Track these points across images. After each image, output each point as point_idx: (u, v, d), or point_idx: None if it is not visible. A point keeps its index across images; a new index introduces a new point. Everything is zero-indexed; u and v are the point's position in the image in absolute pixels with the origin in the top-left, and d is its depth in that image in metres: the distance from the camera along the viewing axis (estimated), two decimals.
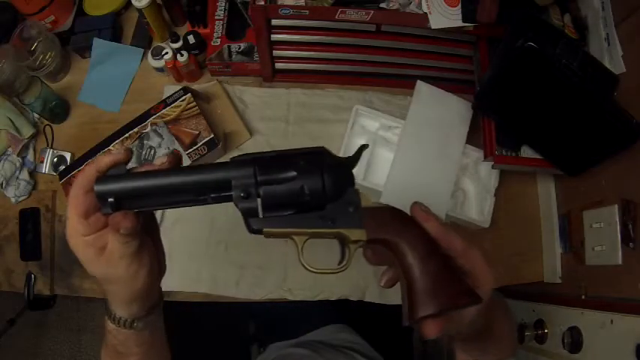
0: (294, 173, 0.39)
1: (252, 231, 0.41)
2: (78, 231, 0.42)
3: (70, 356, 1.86)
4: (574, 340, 0.79)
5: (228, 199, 0.40)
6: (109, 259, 0.43)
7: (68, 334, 1.88)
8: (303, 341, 1.00)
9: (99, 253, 0.43)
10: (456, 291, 0.39)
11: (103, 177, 0.40)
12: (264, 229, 0.40)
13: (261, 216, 0.40)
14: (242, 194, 0.39)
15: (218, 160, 0.97)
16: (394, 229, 0.40)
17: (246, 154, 0.41)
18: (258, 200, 0.39)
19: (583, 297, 0.83)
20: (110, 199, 0.39)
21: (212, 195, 0.40)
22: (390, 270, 0.45)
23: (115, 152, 0.42)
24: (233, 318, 1.19)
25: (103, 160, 0.42)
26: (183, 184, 0.39)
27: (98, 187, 0.39)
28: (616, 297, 0.76)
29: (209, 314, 1.10)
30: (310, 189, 0.39)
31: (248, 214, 0.40)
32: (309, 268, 0.42)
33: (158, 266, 0.49)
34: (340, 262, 0.43)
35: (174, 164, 0.43)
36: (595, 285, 0.83)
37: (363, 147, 0.44)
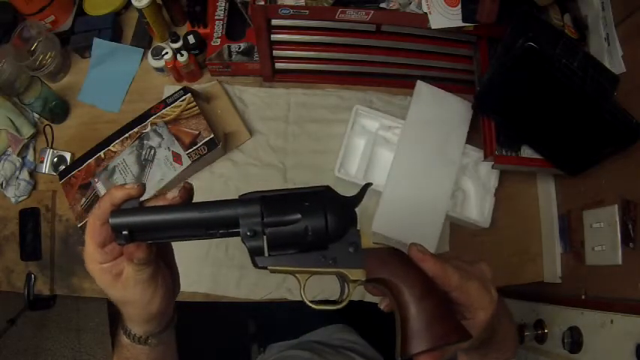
0: (298, 215, 0.41)
1: (257, 267, 0.43)
2: (95, 259, 0.45)
3: (70, 356, 1.86)
4: (574, 340, 0.79)
5: (236, 234, 0.42)
6: (125, 284, 0.45)
7: (68, 334, 1.88)
8: (303, 341, 1.00)
9: (115, 279, 0.45)
10: (448, 329, 0.41)
11: (117, 210, 0.42)
12: (269, 267, 0.42)
13: (266, 255, 0.42)
14: (249, 233, 0.41)
15: (218, 161, 0.97)
16: (392, 270, 0.43)
17: (255, 191, 0.43)
18: (264, 238, 0.41)
19: (583, 297, 0.83)
20: (124, 232, 0.41)
21: (221, 231, 0.43)
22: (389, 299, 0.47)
23: (128, 187, 0.44)
24: (233, 318, 1.19)
25: (117, 194, 0.44)
26: (193, 220, 0.41)
27: (113, 220, 0.41)
28: (616, 297, 0.76)
29: (209, 314, 1.10)
30: (314, 230, 0.41)
31: (254, 252, 0.42)
32: (311, 305, 0.44)
33: (173, 286, 0.50)
34: (339, 298, 0.46)
35: (186, 199, 0.45)
36: (595, 285, 0.83)
37: (368, 185, 0.46)
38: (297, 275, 0.43)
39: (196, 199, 1.02)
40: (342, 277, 0.45)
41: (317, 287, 0.92)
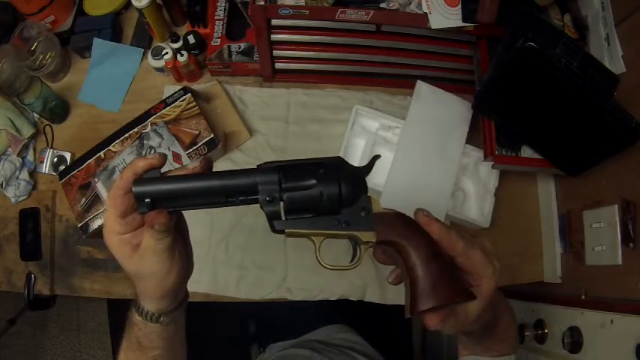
0: (314, 181, 0.43)
1: (275, 231, 0.44)
2: (115, 230, 0.45)
3: (70, 356, 1.87)
4: (574, 340, 0.79)
5: (255, 201, 0.44)
6: (143, 255, 0.46)
7: (68, 334, 1.88)
8: (303, 341, 1.01)
9: (134, 250, 0.46)
10: (453, 289, 0.44)
11: (140, 179, 0.44)
12: (286, 230, 0.44)
13: (283, 218, 0.44)
14: (267, 198, 0.43)
15: (218, 161, 0.97)
16: (401, 233, 0.45)
17: (272, 161, 0.45)
18: (281, 204, 0.43)
19: (583, 297, 0.83)
20: (147, 200, 0.43)
21: (240, 198, 0.44)
22: (398, 269, 0.49)
23: (150, 157, 0.45)
24: (233, 318, 1.19)
25: (139, 163, 0.45)
26: (214, 187, 0.43)
27: (136, 189, 0.43)
28: (616, 297, 0.76)
29: (209, 314, 1.10)
30: (328, 195, 0.43)
31: (272, 217, 0.44)
32: (325, 265, 0.46)
33: (187, 264, 0.51)
34: (352, 260, 0.47)
35: (206, 168, 0.46)
36: (595, 285, 0.83)
37: (376, 157, 0.49)
38: (312, 238, 0.45)
39: None
40: (355, 240, 0.46)
41: (317, 287, 0.92)
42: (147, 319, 0.50)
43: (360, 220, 0.45)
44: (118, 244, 0.46)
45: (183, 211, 0.48)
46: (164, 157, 0.45)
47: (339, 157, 0.46)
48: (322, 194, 0.43)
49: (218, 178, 0.43)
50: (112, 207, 0.45)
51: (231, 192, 0.43)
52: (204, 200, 0.44)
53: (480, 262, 0.46)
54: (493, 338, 0.56)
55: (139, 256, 0.46)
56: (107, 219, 0.46)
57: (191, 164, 0.46)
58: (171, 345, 0.53)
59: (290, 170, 0.44)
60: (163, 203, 0.43)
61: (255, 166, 0.45)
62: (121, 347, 0.53)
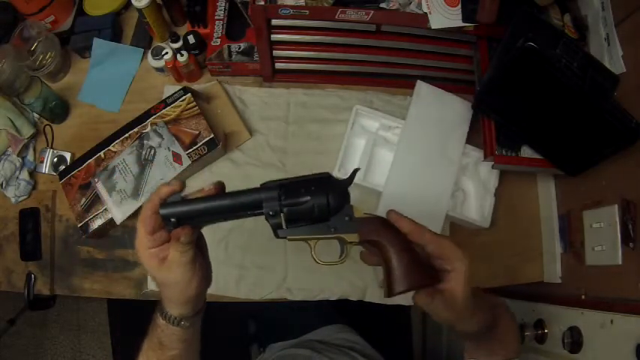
0: (308, 197, 0.53)
1: (278, 237, 0.55)
2: (145, 244, 0.54)
3: (70, 356, 1.87)
4: (574, 340, 0.79)
5: (260, 214, 0.54)
6: (170, 267, 0.53)
7: (68, 334, 1.88)
8: (303, 341, 1.01)
9: (161, 262, 0.54)
10: (422, 275, 0.54)
11: (165, 203, 0.53)
12: (288, 237, 0.55)
13: (284, 227, 0.54)
14: (271, 212, 0.53)
15: (218, 161, 0.97)
16: (378, 232, 0.55)
17: (273, 180, 0.55)
18: (282, 216, 0.53)
19: (583, 297, 0.83)
20: (172, 220, 0.52)
21: (248, 212, 0.54)
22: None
23: (173, 183, 0.53)
24: (233, 318, 1.19)
25: (164, 190, 0.53)
26: (227, 206, 0.53)
27: (163, 211, 0.52)
28: (616, 297, 0.76)
29: (209, 314, 1.10)
30: (319, 207, 0.54)
31: (275, 227, 0.54)
32: (319, 261, 0.56)
33: (207, 275, 0.59)
34: (340, 257, 0.58)
35: (219, 190, 0.55)
36: (595, 285, 0.83)
37: (356, 170, 0.58)
38: (308, 242, 0.56)
39: None
40: (341, 241, 0.57)
41: (317, 287, 0.92)
42: (169, 322, 0.57)
43: (345, 225, 0.55)
44: (148, 257, 0.54)
45: (202, 231, 0.58)
46: (183, 183, 0.54)
47: (327, 172, 0.56)
48: (314, 207, 0.53)
49: (230, 198, 0.52)
50: (142, 226, 0.53)
51: (241, 209, 0.53)
52: (220, 216, 0.53)
53: (449, 246, 0.54)
54: (494, 339, 0.59)
55: (165, 267, 0.53)
56: (139, 236, 0.54)
57: (206, 187, 0.54)
58: (189, 347, 0.60)
59: (288, 188, 0.53)
60: (186, 221, 0.52)
61: (259, 185, 0.54)
62: (143, 348, 0.60)
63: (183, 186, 0.54)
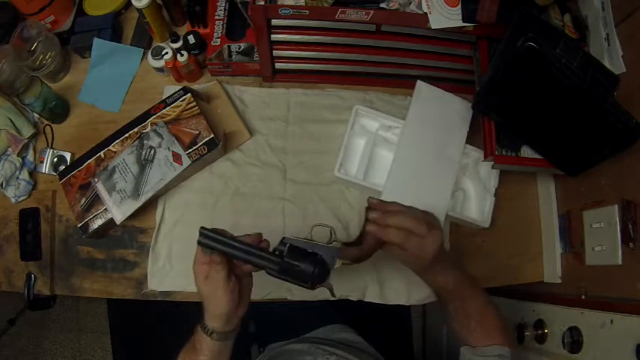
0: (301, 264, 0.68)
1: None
2: (200, 260, 0.66)
3: (70, 356, 1.87)
4: (574, 340, 0.79)
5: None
6: (208, 282, 0.65)
7: (68, 334, 1.88)
8: (302, 338, 1.01)
9: (205, 278, 0.66)
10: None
11: (206, 234, 0.65)
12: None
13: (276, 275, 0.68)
14: (271, 273, 0.68)
15: (218, 161, 0.97)
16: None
17: (282, 243, 0.69)
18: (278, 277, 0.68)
19: (583, 297, 0.83)
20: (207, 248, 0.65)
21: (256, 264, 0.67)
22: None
23: (252, 235, 0.69)
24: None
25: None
26: (240, 257, 0.66)
27: (201, 240, 0.64)
28: (616, 297, 0.76)
29: None
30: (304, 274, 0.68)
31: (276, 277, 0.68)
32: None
33: (238, 299, 0.68)
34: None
35: (256, 241, 0.68)
36: (595, 285, 0.83)
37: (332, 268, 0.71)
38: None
39: (196, 199, 1.01)
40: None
41: None
42: (203, 331, 0.67)
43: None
44: (199, 270, 0.66)
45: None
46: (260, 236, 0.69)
47: (321, 259, 0.69)
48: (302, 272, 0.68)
49: (245, 254, 0.65)
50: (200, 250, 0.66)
51: (251, 263, 0.67)
52: (236, 258, 0.66)
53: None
54: (468, 310, 0.72)
55: (207, 281, 0.65)
56: (198, 252, 0.66)
57: (253, 235, 0.68)
58: (218, 356, 0.69)
59: (287, 265, 0.67)
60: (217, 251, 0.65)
61: (276, 251, 0.68)
62: (183, 349, 0.71)
63: (260, 239, 0.68)
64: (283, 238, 0.69)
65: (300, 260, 0.67)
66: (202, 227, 0.65)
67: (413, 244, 0.67)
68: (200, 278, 0.66)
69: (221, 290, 0.65)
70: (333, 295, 0.73)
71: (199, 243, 0.64)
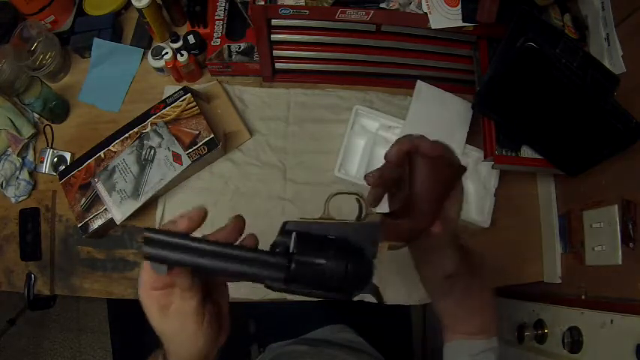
0: (322, 260, 0.43)
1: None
2: (148, 283, 0.43)
3: (69, 356, 1.87)
4: (574, 340, 0.79)
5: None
6: (169, 314, 0.44)
7: (68, 334, 1.88)
8: (303, 339, 1.01)
9: (162, 309, 0.44)
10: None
11: (151, 239, 0.40)
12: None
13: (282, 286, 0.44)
14: (271, 286, 0.44)
15: (218, 161, 0.97)
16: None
17: (293, 222, 0.44)
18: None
19: (583, 297, 0.83)
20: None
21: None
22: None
23: (180, 221, 0.43)
24: (233, 318, 1.19)
25: (167, 226, 0.43)
26: (221, 269, 0.42)
27: (146, 249, 0.40)
28: (616, 297, 0.76)
29: None
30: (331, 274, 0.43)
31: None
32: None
33: (217, 334, 0.48)
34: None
35: (237, 232, 0.45)
36: (595, 285, 0.83)
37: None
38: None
39: (196, 199, 1.01)
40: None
41: None
42: None
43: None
44: (148, 299, 0.44)
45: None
46: (199, 216, 0.45)
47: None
48: (325, 271, 0.43)
49: (229, 261, 0.41)
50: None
51: (239, 276, 0.44)
52: (215, 275, 0.45)
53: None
54: (471, 303, 0.58)
55: (166, 316, 0.44)
56: (143, 271, 0.44)
57: (229, 223, 0.45)
58: None
59: (298, 275, 0.43)
60: (178, 266, 0.41)
61: (271, 250, 0.44)
62: None
63: (193, 224, 0.43)
64: (285, 223, 0.44)
65: (320, 254, 0.42)
66: (147, 229, 0.40)
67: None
68: (153, 311, 0.44)
69: (191, 327, 0.44)
70: (380, 301, 0.49)
71: (145, 256, 0.39)
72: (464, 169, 0.52)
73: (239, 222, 0.46)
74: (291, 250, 0.43)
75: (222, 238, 0.44)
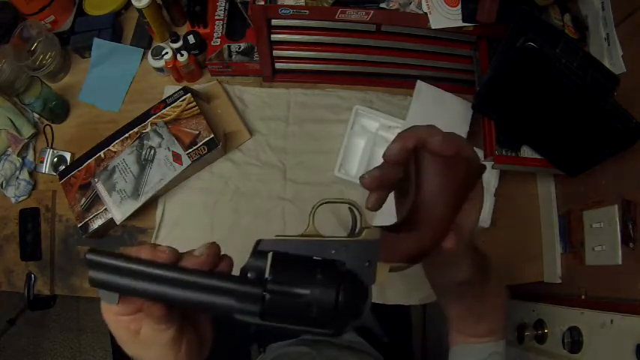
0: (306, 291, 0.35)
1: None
2: (112, 309, 0.37)
3: (69, 356, 1.87)
4: (574, 340, 0.79)
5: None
6: (143, 344, 0.39)
7: (68, 334, 1.88)
8: (303, 339, 1.00)
9: (134, 336, 0.39)
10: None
11: (94, 262, 0.34)
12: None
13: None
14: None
15: (218, 161, 0.97)
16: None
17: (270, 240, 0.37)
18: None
19: (583, 297, 0.83)
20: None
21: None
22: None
23: (162, 250, 0.37)
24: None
25: (144, 252, 0.37)
26: (179, 299, 0.34)
27: (91, 274, 0.34)
28: (616, 297, 0.76)
29: None
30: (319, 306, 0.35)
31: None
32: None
33: (200, 352, 0.43)
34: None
35: (211, 261, 0.37)
36: (595, 285, 0.83)
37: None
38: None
39: (196, 199, 1.01)
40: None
41: None
42: None
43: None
44: (116, 325, 0.38)
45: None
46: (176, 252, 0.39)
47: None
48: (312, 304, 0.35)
49: (196, 290, 0.34)
50: None
51: (203, 307, 0.34)
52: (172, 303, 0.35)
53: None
54: (482, 307, 0.54)
55: (138, 342, 0.39)
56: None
57: (199, 250, 0.37)
58: None
59: (276, 303, 0.35)
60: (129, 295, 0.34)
61: (242, 273, 0.36)
62: None
63: (176, 257, 0.37)
64: (258, 242, 0.36)
65: (303, 280, 0.34)
66: (91, 250, 0.33)
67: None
68: (123, 339, 0.39)
69: (170, 354, 0.39)
70: (383, 338, 0.41)
71: (90, 282, 0.33)
72: (483, 167, 0.41)
73: (214, 249, 0.38)
74: (266, 276, 0.34)
75: (191, 266, 0.36)
